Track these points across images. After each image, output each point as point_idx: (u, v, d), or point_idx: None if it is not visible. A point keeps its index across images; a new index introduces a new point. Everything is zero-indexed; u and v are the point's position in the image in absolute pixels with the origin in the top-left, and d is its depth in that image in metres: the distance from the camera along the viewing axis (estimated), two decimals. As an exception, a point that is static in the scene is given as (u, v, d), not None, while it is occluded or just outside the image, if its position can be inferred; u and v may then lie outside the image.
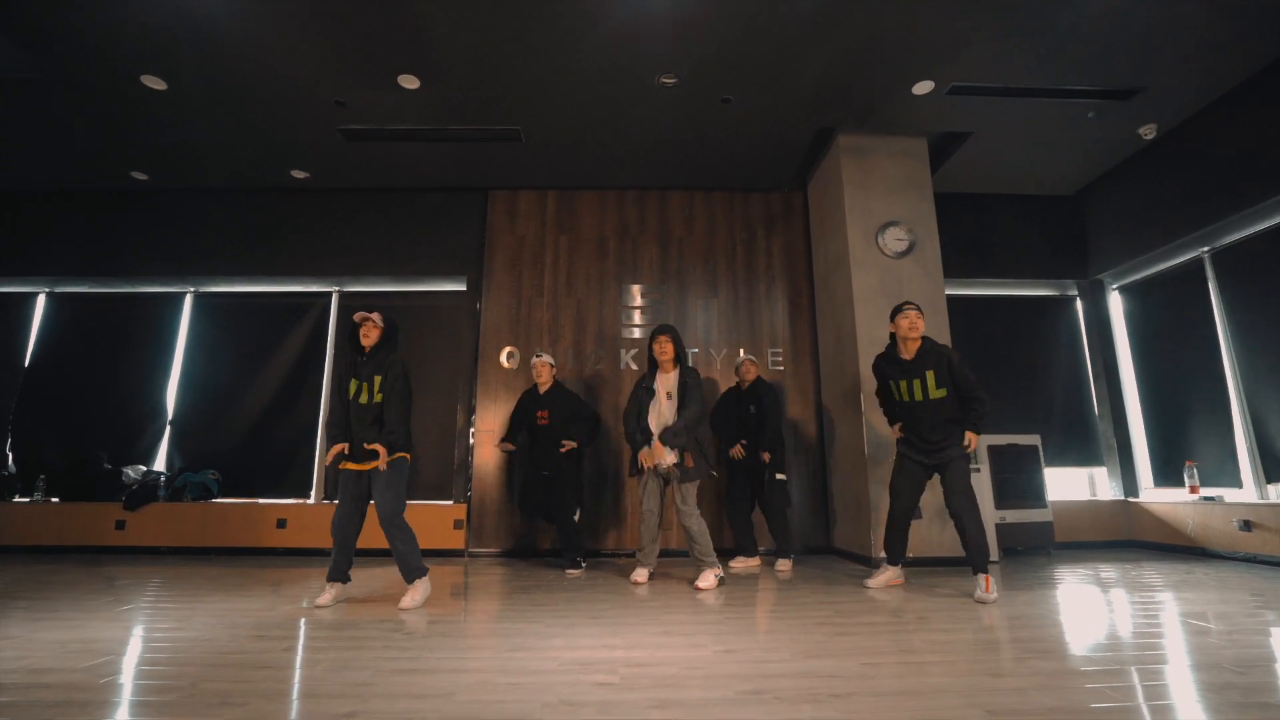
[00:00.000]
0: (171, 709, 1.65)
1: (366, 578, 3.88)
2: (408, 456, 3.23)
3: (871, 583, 3.52)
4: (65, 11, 3.58)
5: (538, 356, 4.63)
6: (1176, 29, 3.79)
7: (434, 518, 5.15)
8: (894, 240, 4.83)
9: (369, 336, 3.22)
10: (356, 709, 1.63)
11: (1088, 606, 2.94)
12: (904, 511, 3.43)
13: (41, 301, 6.07)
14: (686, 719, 1.56)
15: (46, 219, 5.91)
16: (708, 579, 3.51)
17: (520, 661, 2.07)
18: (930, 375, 3.32)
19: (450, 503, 5.25)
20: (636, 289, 5.62)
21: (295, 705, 1.68)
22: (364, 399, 3.15)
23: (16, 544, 5.17)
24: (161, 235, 5.89)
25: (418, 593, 3.08)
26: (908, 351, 3.42)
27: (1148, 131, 4.79)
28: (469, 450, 5.31)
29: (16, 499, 5.48)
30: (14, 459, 5.71)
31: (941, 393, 3.31)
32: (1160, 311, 5.43)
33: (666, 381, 3.78)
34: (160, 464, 5.73)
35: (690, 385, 3.68)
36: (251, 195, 5.91)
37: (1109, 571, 3.97)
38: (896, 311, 3.49)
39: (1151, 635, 2.38)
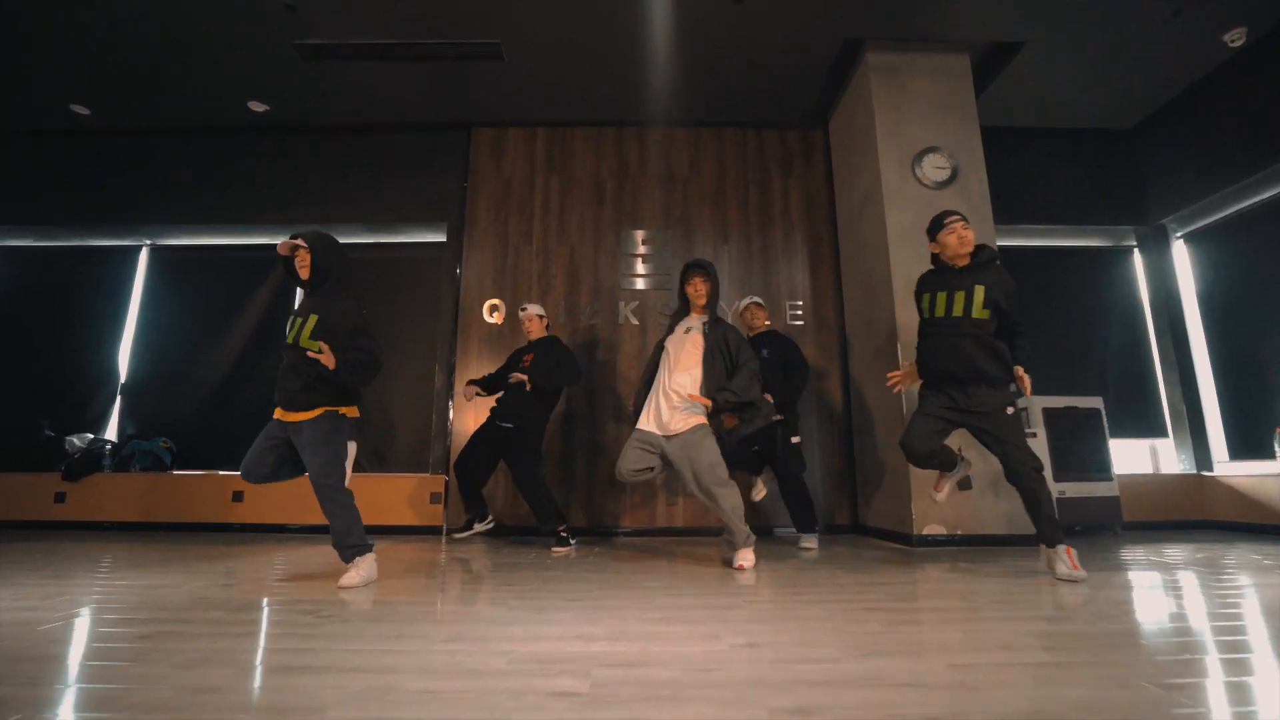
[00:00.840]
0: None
1: (310, 555, 3.29)
2: (352, 412, 2.62)
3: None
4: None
5: (523, 310, 4.01)
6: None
7: (409, 491, 4.55)
8: (933, 169, 4.15)
9: (304, 266, 2.60)
10: (158, 734, 1.02)
11: (1215, 593, 2.29)
12: (922, 453, 2.69)
13: (-16, 256, 5.50)
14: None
15: (-16, 163, 5.34)
16: (748, 556, 2.86)
17: (455, 658, 1.45)
18: (980, 291, 2.63)
19: (427, 475, 4.64)
20: (638, 235, 4.97)
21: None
22: (290, 338, 2.56)
23: (-54, 519, 4.62)
24: (112, 182, 5.29)
25: (361, 571, 2.47)
26: (960, 261, 2.72)
27: (1236, 37, 4.07)
28: (448, 416, 4.70)
29: (-47, 471, 4.93)
30: (-50, 427, 5.17)
31: (985, 314, 2.63)
32: (1238, 258, 4.71)
33: (692, 321, 3.11)
34: (111, 432, 5.16)
35: (735, 338, 3.02)
36: (208, 135, 5.29)
37: (1203, 552, 3.31)
38: (938, 226, 2.77)
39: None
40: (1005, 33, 4.14)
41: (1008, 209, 4.98)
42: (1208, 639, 1.61)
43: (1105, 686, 1.23)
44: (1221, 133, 4.54)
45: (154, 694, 1.21)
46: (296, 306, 2.64)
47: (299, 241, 2.59)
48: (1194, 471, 4.71)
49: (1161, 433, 4.97)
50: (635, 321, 4.77)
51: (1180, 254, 5.18)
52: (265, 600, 2.13)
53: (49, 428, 5.00)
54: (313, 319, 2.55)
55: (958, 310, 2.66)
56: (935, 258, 2.84)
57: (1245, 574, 2.59)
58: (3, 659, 1.44)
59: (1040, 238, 5.31)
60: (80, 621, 1.81)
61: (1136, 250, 5.33)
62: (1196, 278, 5.05)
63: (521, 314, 4.02)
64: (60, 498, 4.67)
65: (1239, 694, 1.21)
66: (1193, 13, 3.89)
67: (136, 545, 3.71)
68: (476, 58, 4.34)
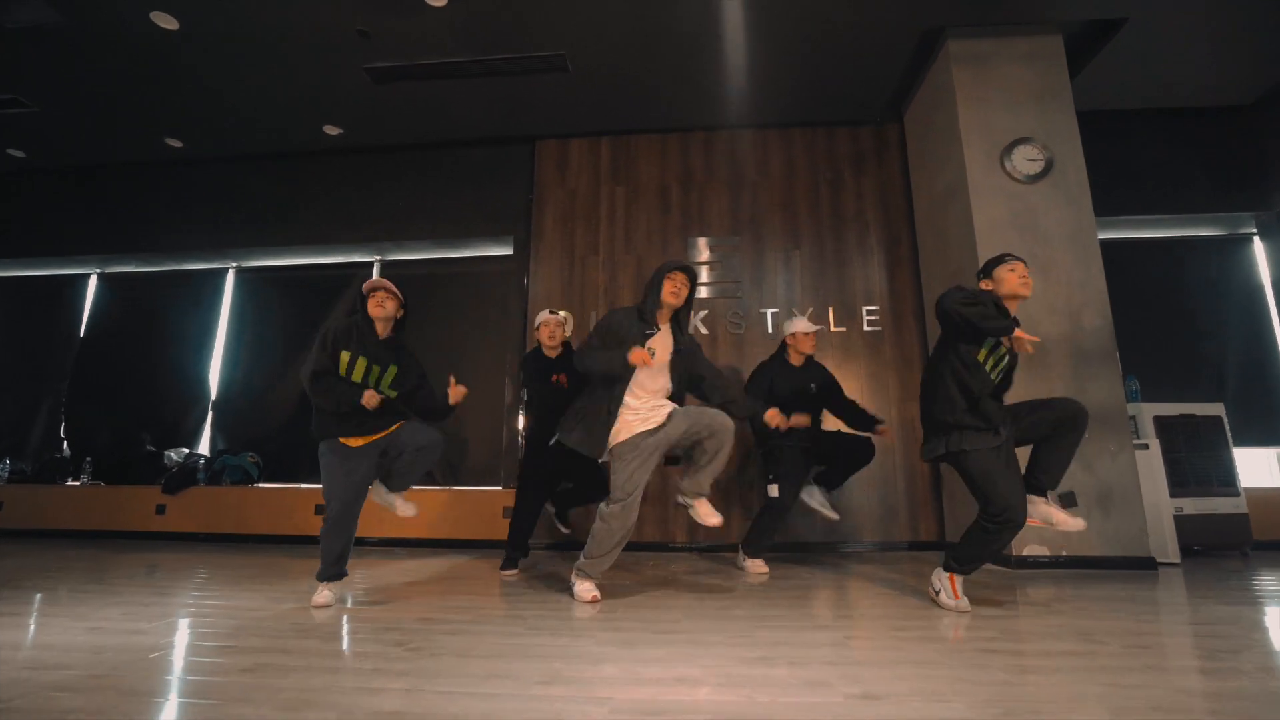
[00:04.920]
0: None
1: (385, 570, 3.33)
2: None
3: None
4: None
5: (545, 316, 3.60)
6: None
7: (479, 505, 4.59)
8: (1024, 161, 3.87)
9: (384, 306, 2.63)
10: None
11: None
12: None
13: (93, 282, 5.92)
14: None
15: (92, 195, 5.73)
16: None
17: (554, 705, 1.39)
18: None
19: (498, 488, 4.67)
20: (703, 242, 4.86)
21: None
22: (372, 383, 2.62)
23: (65, 528, 4.97)
24: (201, 208, 5.60)
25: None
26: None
27: (1382, -2, 3.61)
28: (519, 429, 4.72)
29: (69, 482, 5.31)
30: (67, 442, 5.58)
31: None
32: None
33: (662, 339, 2.68)
34: (204, 447, 5.45)
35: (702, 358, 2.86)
36: (287, 160, 5.52)
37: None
38: (998, 262, 2.47)
39: None
40: (1105, 8, 3.81)
41: (1110, 200, 4.60)
42: None
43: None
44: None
45: (260, 741, 1.19)
46: (354, 345, 2.61)
47: (387, 283, 2.65)
48: (1337, 484, 4.22)
49: (1293, 440, 4.48)
50: (705, 330, 4.66)
51: (1310, 241, 4.66)
52: (356, 626, 2.14)
53: (150, 443, 5.33)
54: (392, 369, 2.66)
55: (1000, 374, 2.52)
56: (983, 294, 2.43)
57: None
58: (118, 691, 1.47)
59: (1146, 229, 4.88)
60: (184, 647, 1.85)
61: (1257, 238, 4.83)
62: (1331, 266, 4.53)
63: (543, 320, 3.60)
64: (160, 509, 4.95)
65: None
66: (1329, -28, 3.48)
67: (230, 557, 3.87)
68: (542, 70, 4.34)
